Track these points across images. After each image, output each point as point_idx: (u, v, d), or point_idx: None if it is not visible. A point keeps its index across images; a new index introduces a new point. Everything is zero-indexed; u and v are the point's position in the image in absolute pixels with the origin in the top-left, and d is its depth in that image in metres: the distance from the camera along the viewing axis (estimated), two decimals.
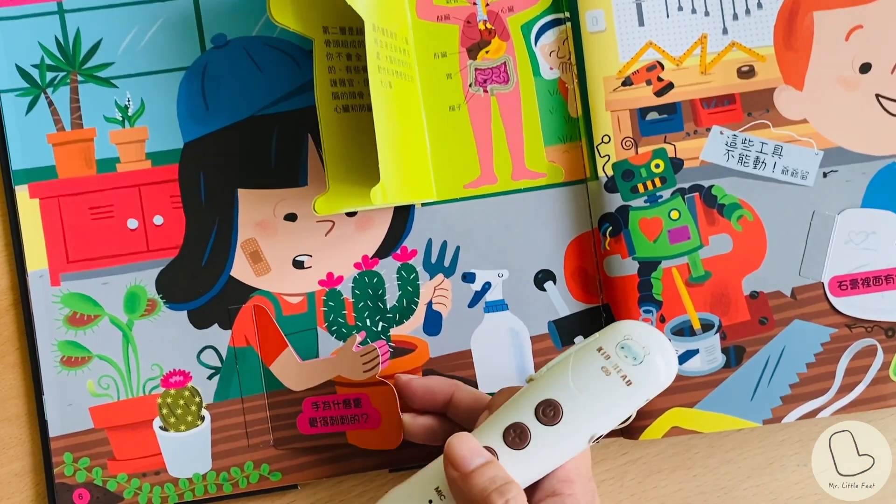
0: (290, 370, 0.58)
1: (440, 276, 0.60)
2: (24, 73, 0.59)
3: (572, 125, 0.59)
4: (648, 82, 0.58)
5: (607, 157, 0.58)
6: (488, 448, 0.46)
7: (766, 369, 0.58)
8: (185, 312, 0.59)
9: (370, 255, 0.60)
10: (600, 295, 0.59)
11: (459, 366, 0.59)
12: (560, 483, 0.47)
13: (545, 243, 0.59)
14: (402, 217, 0.60)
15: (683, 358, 0.58)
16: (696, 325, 0.58)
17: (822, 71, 0.58)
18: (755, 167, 0.58)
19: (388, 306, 0.60)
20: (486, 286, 0.59)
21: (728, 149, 0.58)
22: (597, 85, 0.58)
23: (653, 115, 0.58)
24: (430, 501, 0.47)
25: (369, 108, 0.51)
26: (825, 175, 0.58)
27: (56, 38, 0.59)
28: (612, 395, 0.47)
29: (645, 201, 0.58)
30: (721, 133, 0.58)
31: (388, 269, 0.60)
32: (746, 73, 0.58)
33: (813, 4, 0.58)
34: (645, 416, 0.58)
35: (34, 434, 0.60)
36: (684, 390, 0.58)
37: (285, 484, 0.59)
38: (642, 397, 0.47)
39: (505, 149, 0.59)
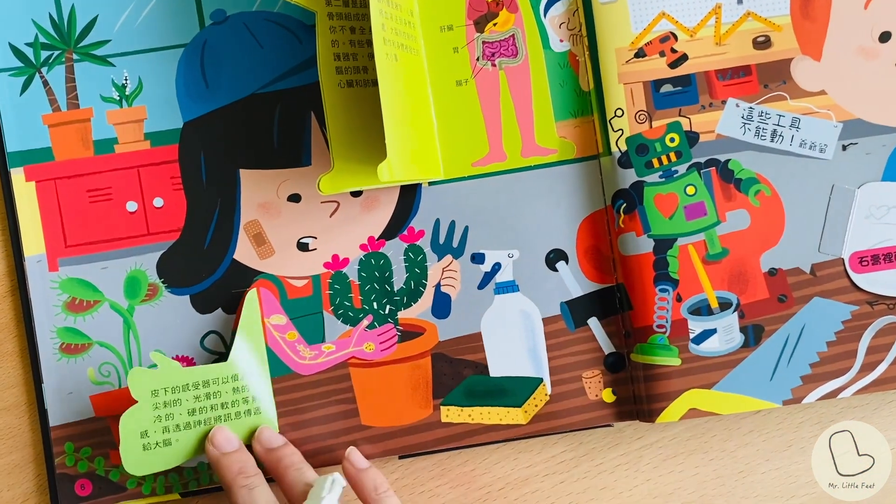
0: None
1: (448, 258, 0.58)
2: (17, 52, 0.58)
3: (584, 99, 0.58)
4: (662, 54, 0.57)
5: (620, 132, 0.57)
6: None
7: (785, 348, 0.57)
8: (187, 297, 0.58)
9: (376, 237, 0.58)
10: (615, 274, 0.58)
11: (469, 349, 0.58)
12: None
13: (557, 222, 0.58)
14: (409, 197, 0.58)
15: (701, 338, 0.57)
16: (714, 304, 0.57)
17: (840, 40, 0.56)
18: (772, 140, 0.57)
19: (396, 289, 0.58)
20: (496, 267, 0.58)
21: (744, 122, 0.57)
22: (609, 57, 0.56)
23: (667, 88, 0.57)
24: None
25: (374, 84, 0.50)
26: (844, 148, 0.57)
27: (50, 16, 0.58)
28: None
29: (660, 177, 0.57)
30: (737, 106, 0.57)
31: (394, 250, 0.58)
32: (762, 43, 0.57)
33: None
34: (662, 398, 0.56)
35: (34, 423, 0.59)
36: (702, 371, 0.56)
37: None
38: None
39: (514, 125, 0.58)
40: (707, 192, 0.57)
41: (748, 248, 0.57)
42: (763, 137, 0.57)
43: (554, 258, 0.58)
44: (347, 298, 0.58)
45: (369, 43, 0.50)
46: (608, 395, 0.58)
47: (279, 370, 0.58)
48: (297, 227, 0.58)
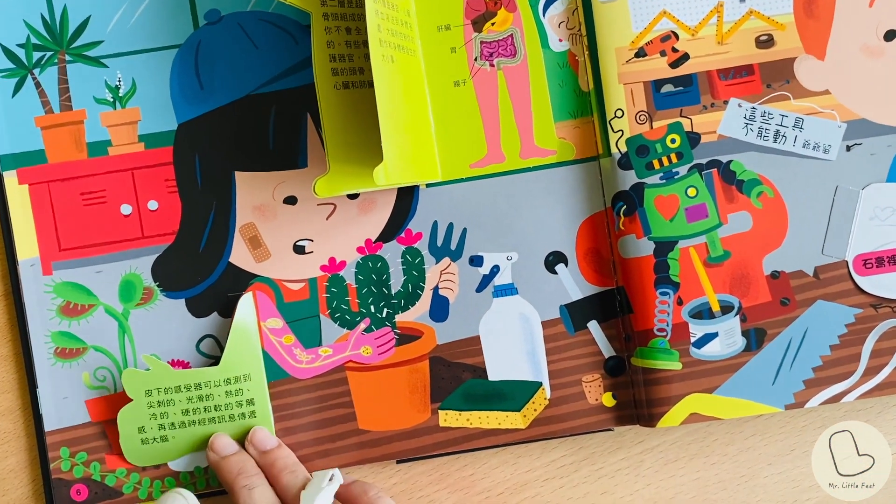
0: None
1: (446, 260, 0.57)
2: (9, 54, 0.57)
3: (583, 99, 0.57)
4: (663, 53, 0.56)
5: (620, 133, 0.56)
6: None
7: (788, 352, 0.56)
8: (182, 300, 0.57)
9: (373, 239, 0.58)
10: (615, 277, 0.57)
11: (467, 353, 0.57)
12: None
13: (556, 224, 0.57)
14: (407, 199, 0.57)
15: (702, 342, 0.56)
16: (716, 307, 0.56)
17: (844, 39, 0.55)
18: (775, 141, 0.56)
19: (393, 292, 0.58)
20: (495, 270, 0.57)
21: (747, 122, 0.56)
22: (608, 57, 0.56)
23: (668, 88, 0.56)
24: None
25: (370, 85, 0.49)
26: (848, 148, 0.56)
27: (42, 16, 0.57)
28: None
29: (661, 178, 0.56)
30: (739, 106, 0.56)
31: (392, 253, 0.58)
32: (765, 42, 0.56)
33: None
34: (662, 403, 0.56)
35: (29, 429, 0.59)
36: (703, 375, 0.56)
37: None
38: None
39: (513, 125, 0.57)
40: (708, 194, 0.56)
41: (750, 251, 0.56)
42: (766, 138, 0.56)
43: (553, 261, 0.57)
44: (344, 302, 0.58)
45: (365, 43, 0.50)
46: (608, 400, 0.57)
47: (275, 374, 0.57)
48: (293, 229, 0.58)
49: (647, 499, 0.59)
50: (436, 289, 0.58)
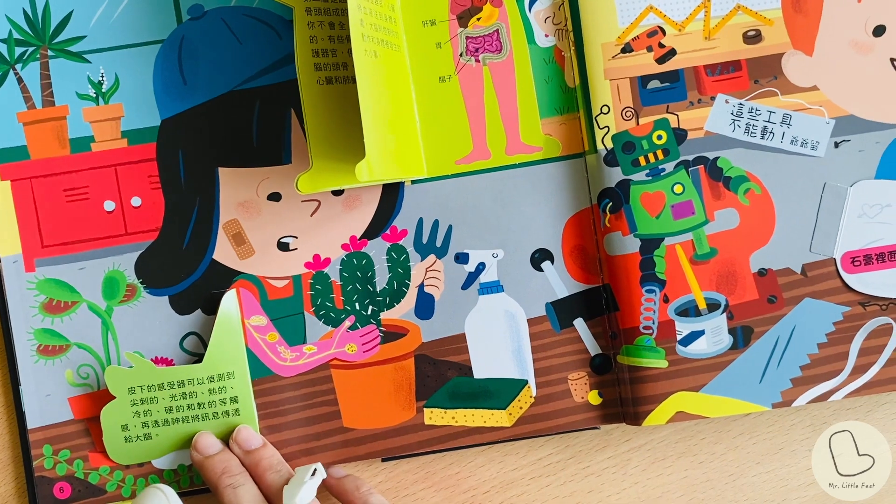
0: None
1: (432, 257, 0.57)
2: None
3: (569, 95, 0.56)
4: (649, 49, 0.55)
5: (606, 129, 0.55)
6: None
7: (775, 350, 0.55)
8: (166, 298, 0.57)
9: (358, 236, 0.57)
10: (601, 274, 0.57)
11: (453, 350, 0.57)
12: None
13: (542, 221, 0.56)
14: (392, 195, 0.57)
15: (688, 339, 0.56)
16: (702, 305, 0.56)
17: (833, 34, 0.55)
18: (763, 137, 0.55)
19: (378, 289, 0.57)
20: (481, 267, 0.57)
21: (734, 118, 0.55)
22: (595, 52, 0.55)
23: (654, 84, 0.55)
24: None
25: (354, 80, 0.49)
26: (837, 145, 0.55)
27: (24, 11, 0.56)
28: None
29: (647, 175, 0.55)
30: (726, 102, 0.55)
31: (377, 250, 0.57)
32: (753, 37, 0.55)
33: None
34: (648, 401, 0.55)
35: (12, 426, 0.58)
36: (689, 373, 0.55)
37: None
38: None
39: (498, 122, 0.57)
40: (695, 191, 0.56)
41: (737, 248, 0.55)
42: (753, 134, 0.55)
43: (539, 258, 0.57)
44: (329, 299, 0.57)
45: (349, 39, 0.49)
46: (594, 398, 0.57)
47: (260, 372, 0.57)
48: (277, 226, 0.57)
49: (635, 497, 0.59)
50: (421, 286, 0.57)
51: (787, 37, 0.55)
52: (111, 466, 0.57)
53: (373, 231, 0.57)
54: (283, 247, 0.57)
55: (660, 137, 0.55)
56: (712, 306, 0.56)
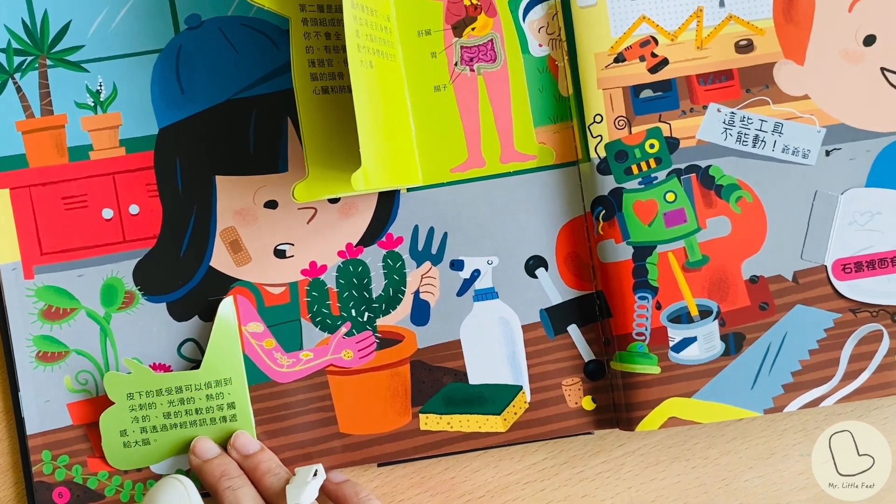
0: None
1: (427, 264, 0.57)
2: None
3: (563, 104, 0.57)
4: (642, 58, 0.56)
5: (600, 138, 0.56)
6: None
7: (766, 357, 0.56)
8: (164, 304, 0.58)
9: (354, 243, 0.58)
10: (594, 281, 0.57)
11: (448, 357, 0.57)
12: None
13: (536, 228, 0.57)
14: (387, 203, 0.58)
15: (681, 346, 0.56)
16: (694, 312, 0.56)
17: (824, 44, 0.56)
18: (754, 146, 0.56)
19: (374, 296, 0.58)
20: (476, 274, 0.57)
21: (726, 127, 0.56)
22: (588, 62, 0.56)
23: (647, 93, 0.56)
24: None
25: (350, 90, 0.49)
26: (828, 153, 0.56)
27: (23, 21, 0.57)
28: None
29: (639, 183, 0.56)
30: (718, 111, 0.56)
31: (373, 257, 0.58)
32: (745, 47, 0.56)
33: None
34: (641, 406, 0.56)
35: (11, 432, 0.59)
36: (682, 379, 0.56)
37: None
38: None
39: (493, 130, 0.57)
40: (687, 199, 0.56)
41: (729, 256, 0.56)
42: (745, 143, 0.56)
43: (533, 265, 0.57)
44: (325, 306, 0.58)
45: (345, 49, 0.50)
46: (588, 403, 0.57)
47: (256, 378, 0.57)
48: (273, 233, 0.58)
49: (628, 502, 0.59)
50: (417, 293, 0.58)
51: (778, 46, 0.56)
52: (110, 472, 0.58)
53: (369, 238, 0.58)
54: (279, 254, 0.58)
55: (652, 146, 0.56)
56: (704, 313, 0.56)
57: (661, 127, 0.56)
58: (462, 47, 0.57)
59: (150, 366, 0.57)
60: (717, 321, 0.56)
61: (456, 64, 0.57)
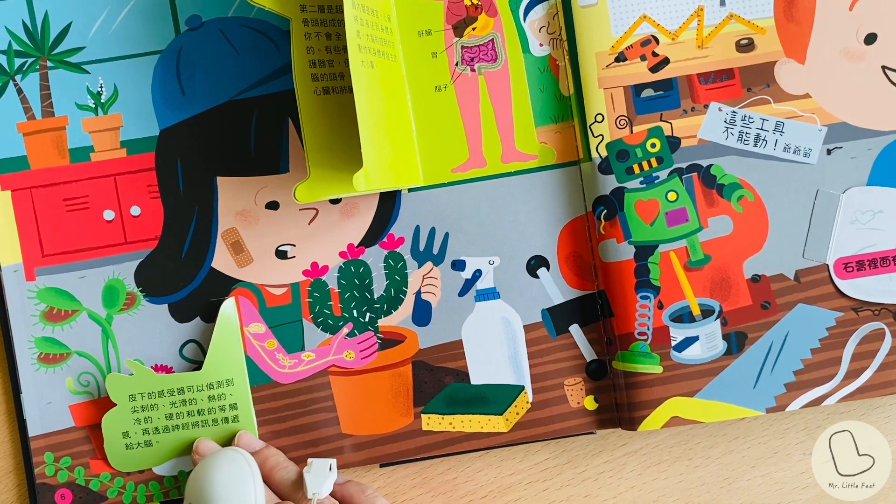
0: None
1: (429, 265, 0.57)
2: None
3: (564, 104, 0.57)
4: (643, 58, 0.56)
5: (601, 137, 0.56)
6: None
7: (769, 356, 0.56)
8: (165, 306, 0.58)
9: (356, 244, 0.58)
10: (596, 281, 0.57)
11: (450, 357, 0.57)
12: None
13: (537, 228, 0.57)
14: (389, 203, 0.58)
15: (683, 345, 0.56)
16: (696, 311, 0.56)
17: (825, 43, 0.55)
18: (756, 145, 0.56)
19: (376, 296, 0.58)
20: (477, 274, 0.57)
21: (727, 126, 0.56)
22: (589, 61, 0.56)
23: (648, 93, 0.56)
24: None
25: (351, 90, 0.49)
26: (829, 152, 0.56)
27: (23, 23, 0.57)
28: None
29: (641, 182, 0.56)
30: (720, 110, 0.56)
31: (374, 257, 0.58)
32: (746, 46, 0.56)
33: None
34: (643, 406, 0.56)
35: (13, 434, 0.59)
36: (684, 379, 0.56)
37: None
38: None
39: (494, 130, 0.57)
40: (689, 198, 0.56)
41: (731, 255, 0.56)
42: (746, 142, 0.56)
43: (535, 265, 0.57)
44: (327, 306, 0.58)
45: (346, 49, 0.50)
46: (590, 403, 0.57)
47: (258, 379, 0.57)
48: (275, 234, 0.58)
49: (630, 502, 0.59)
50: (418, 293, 0.58)
51: (779, 45, 0.56)
52: (112, 473, 0.58)
53: (370, 239, 0.58)
54: (281, 255, 0.58)
55: (653, 145, 0.56)
56: (706, 312, 0.56)
57: (662, 126, 0.56)
58: (463, 47, 0.57)
59: (151, 367, 0.57)
60: (718, 320, 0.56)
61: (457, 64, 0.57)
